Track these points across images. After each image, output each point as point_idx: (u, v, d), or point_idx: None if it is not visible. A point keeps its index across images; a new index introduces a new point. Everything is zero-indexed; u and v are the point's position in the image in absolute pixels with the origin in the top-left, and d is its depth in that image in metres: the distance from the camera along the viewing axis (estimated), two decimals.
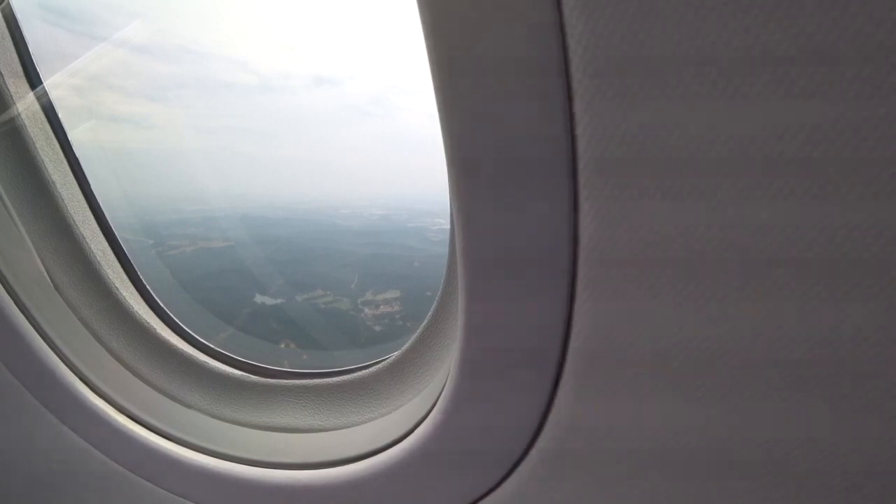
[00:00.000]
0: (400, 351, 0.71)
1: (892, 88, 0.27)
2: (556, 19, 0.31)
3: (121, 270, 0.87)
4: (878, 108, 0.27)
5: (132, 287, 0.88)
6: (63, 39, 0.84)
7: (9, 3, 0.78)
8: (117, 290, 0.85)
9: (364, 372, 0.74)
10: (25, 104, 0.79)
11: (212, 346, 0.87)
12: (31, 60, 0.80)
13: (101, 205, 0.86)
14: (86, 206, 0.84)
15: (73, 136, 0.84)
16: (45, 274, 0.82)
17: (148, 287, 0.89)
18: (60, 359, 0.79)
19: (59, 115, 0.81)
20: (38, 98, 0.81)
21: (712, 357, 0.38)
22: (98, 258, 0.84)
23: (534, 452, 0.51)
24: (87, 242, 0.84)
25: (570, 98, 0.33)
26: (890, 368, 0.33)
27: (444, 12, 0.33)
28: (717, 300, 0.35)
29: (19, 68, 0.79)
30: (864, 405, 0.35)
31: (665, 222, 0.34)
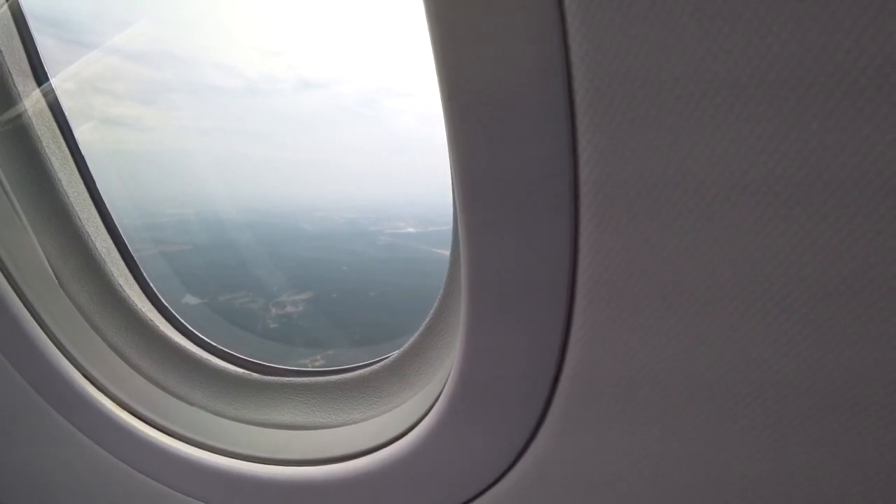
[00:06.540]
0: (401, 350, 0.72)
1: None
2: (560, 42, 0.32)
3: (125, 268, 0.87)
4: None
5: (136, 284, 0.88)
6: (53, 48, 0.85)
7: (16, 0, 0.78)
8: (121, 287, 0.85)
9: (365, 370, 0.75)
10: (32, 102, 0.80)
11: (215, 344, 0.88)
12: (39, 58, 0.80)
13: (105, 203, 0.87)
14: (91, 203, 0.85)
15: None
16: (50, 269, 0.82)
17: (152, 285, 0.89)
18: (63, 355, 0.80)
19: (66, 114, 0.82)
20: (45, 96, 0.81)
21: (712, 382, 0.39)
22: (102, 255, 0.85)
23: (531, 450, 0.52)
24: (91, 239, 0.84)
25: (573, 115, 0.34)
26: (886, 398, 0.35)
27: (453, 39, 0.34)
28: (719, 327, 0.37)
29: (27, 67, 0.79)
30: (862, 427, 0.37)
31: (664, 239, 0.36)
